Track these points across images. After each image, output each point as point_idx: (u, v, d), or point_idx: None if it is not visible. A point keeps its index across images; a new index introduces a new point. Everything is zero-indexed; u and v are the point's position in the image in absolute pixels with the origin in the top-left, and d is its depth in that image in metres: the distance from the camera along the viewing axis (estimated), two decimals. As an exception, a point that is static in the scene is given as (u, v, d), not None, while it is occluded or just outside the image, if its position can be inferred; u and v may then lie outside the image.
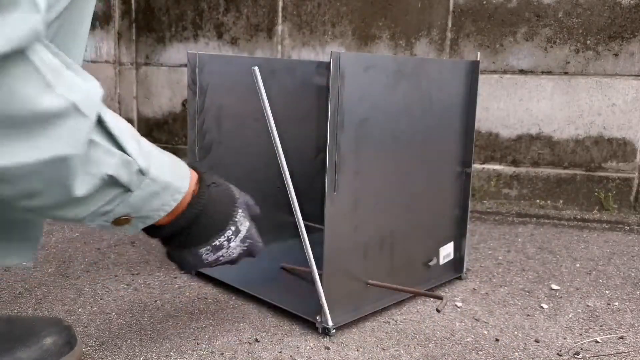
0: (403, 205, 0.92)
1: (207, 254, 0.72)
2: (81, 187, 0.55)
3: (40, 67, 0.49)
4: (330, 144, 0.78)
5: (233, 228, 0.73)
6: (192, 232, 0.70)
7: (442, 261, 1.02)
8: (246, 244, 0.76)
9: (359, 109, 0.81)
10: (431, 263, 0.99)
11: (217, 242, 0.72)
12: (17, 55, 0.47)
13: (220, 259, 0.74)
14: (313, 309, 0.84)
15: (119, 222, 0.63)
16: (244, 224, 0.75)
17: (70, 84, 0.51)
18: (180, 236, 0.70)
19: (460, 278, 1.06)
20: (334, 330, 0.82)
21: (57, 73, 0.50)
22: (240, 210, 0.74)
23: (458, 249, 1.05)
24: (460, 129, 1.00)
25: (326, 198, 0.78)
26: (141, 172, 0.60)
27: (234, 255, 0.75)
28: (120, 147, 0.58)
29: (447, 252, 1.03)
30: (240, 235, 0.74)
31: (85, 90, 0.53)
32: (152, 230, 0.69)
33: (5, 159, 0.48)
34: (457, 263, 1.06)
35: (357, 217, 0.84)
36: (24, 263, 0.67)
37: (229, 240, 0.73)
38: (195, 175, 0.69)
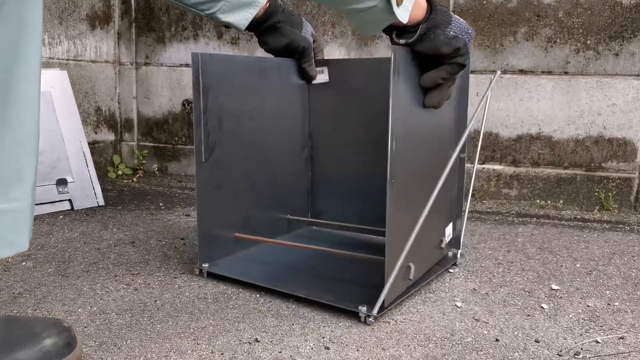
0: (428, 191, 0.95)
1: (448, 32, 0.86)
2: None
3: None
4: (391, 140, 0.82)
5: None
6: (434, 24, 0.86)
7: (446, 240, 1.09)
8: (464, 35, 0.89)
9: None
10: (443, 244, 1.06)
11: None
12: None
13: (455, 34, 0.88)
14: (352, 299, 0.89)
15: (398, 1, 0.79)
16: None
17: None
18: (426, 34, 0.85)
19: (457, 259, 1.13)
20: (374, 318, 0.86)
21: None
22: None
23: (454, 228, 1.14)
24: (455, 118, 1.08)
25: (388, 189, 0.82)
26: None
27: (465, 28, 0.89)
28: None
29: (449, 232, 1.11)
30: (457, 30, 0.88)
31: None
32: (401, 33, 0.85)
33: None
34: (454, 241, 1.15)
35: (406, 207, 0.90)
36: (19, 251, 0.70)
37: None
38: None
